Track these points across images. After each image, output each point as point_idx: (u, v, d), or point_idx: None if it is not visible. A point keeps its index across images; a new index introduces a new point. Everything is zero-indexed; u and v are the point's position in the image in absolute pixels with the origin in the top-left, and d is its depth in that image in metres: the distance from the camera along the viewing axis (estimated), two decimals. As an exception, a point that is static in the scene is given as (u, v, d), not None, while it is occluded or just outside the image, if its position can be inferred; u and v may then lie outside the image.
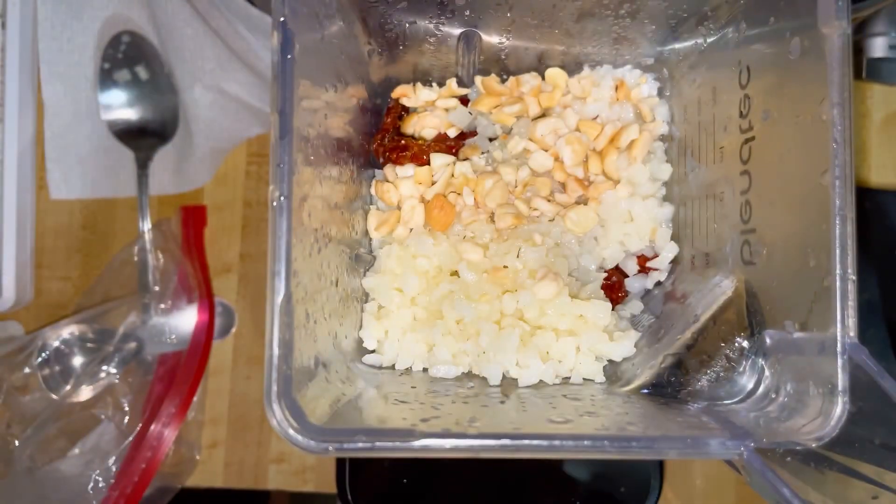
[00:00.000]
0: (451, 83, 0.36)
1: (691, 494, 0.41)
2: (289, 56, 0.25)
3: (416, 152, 0.35)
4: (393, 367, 0.33)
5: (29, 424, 0.39)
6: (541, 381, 0.32)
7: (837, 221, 0.23)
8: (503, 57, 0.35)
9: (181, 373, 0.39)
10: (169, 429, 0.38)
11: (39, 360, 0.40)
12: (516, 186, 0.34)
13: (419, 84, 0.37)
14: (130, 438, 0.38)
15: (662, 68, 0.36)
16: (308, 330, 0.26)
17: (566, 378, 0.32)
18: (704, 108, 0.32)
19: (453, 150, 0.36)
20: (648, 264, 0.35)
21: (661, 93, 0.36)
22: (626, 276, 0.35)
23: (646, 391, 0.30)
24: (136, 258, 0.41)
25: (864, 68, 0.39)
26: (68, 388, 0.40)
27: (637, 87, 0.35)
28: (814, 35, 0.24)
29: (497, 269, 0.32)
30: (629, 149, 0.34)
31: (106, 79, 0.42)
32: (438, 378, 0.32)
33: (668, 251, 0.35)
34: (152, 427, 0.37)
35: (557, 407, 0.28)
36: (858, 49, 0.39)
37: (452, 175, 0.35)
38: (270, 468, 0.42)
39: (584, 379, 0.32)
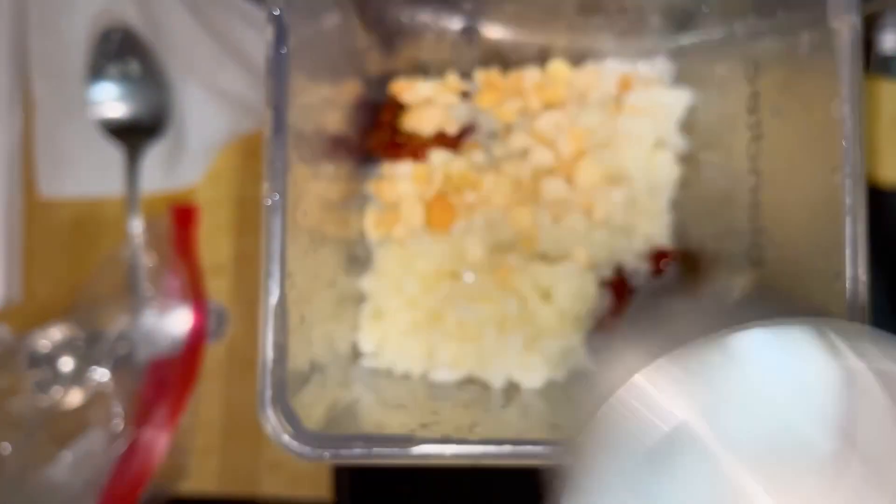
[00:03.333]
0: (451, 78, 0.36)
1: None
2: (283, 50, 0.24)
3: (415, 149, 0.35)
4: (391, 370, 0.33)
5: (18, 430, 0.38)
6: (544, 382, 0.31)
7: (848, 221, 0.23)
8: (504, 51, 0.35)
9: (174, 377, 0.38)
10: (162, 434, 0.37)
11: (28, 363, 0.39)
12: (521, 179, 0.34)
13: (418, 79, 0.36)
14: (123, 444, 0.37)
15: (667, 63, 0.35)
16: (303, 332, 0.26)
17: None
18: (712, 104, 0.32)
19: (453, 146, 0.35)
20: (653, 264, 0.34)
21: (667, 88, 0.35)
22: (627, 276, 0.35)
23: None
24: (126, 258, 0.41)
25: (875, 64, 0.38)
26: (58, 392, 0.39)
27: (642, 82, 0.35)
28: (823, 30, 0.24)
29: (502, 265, 0.32)
30: (634, 145, 0.34)
31: (97, 75, 0.41)
32: (438, 382, 0.32)
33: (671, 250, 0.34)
34: (144, 432, 0.37)
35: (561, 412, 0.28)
36: (870, 45, 0.38)
37: (451, 172, 0.34)
38: (265, 474, 0.41)
39: None
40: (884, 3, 0.34)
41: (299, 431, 0.22)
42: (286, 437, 0.22)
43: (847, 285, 0.23)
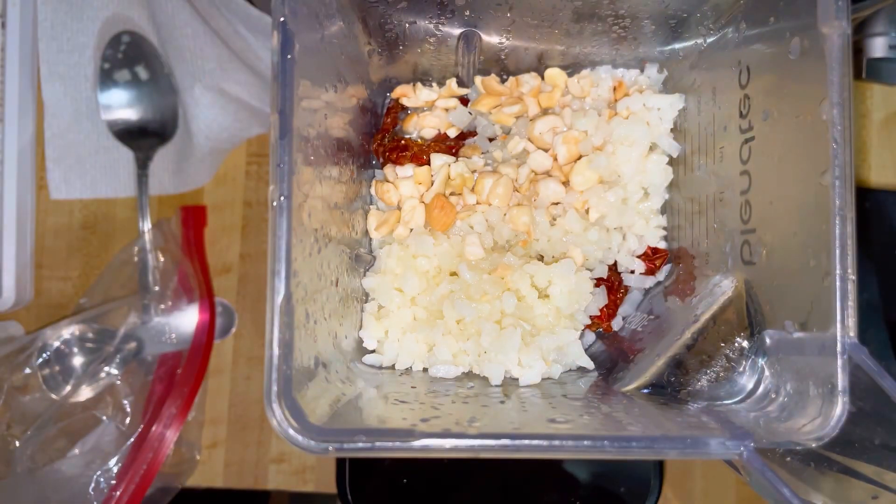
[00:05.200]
0: (451, 83, 0.36)
1: (691, 494, 0.41)
2: (289, 56, 0.25)
3: (416, 152, 0.35)
4: (393, 367, 0.34)
5: (29, 425, 0.39)
6: (542, 378, 0.32)
7: (837, 221, 0.23)
8: (503, 57, 0.35)
9: (182, 373, 0.39)
10: (170, 430, 0.38)
11: (40, 360, 0.40)
12: (519, 183, 0.35)
13: (419, 84, 0.37)
14: (132, 439, 0.38)
15: (662, 68, 0.36)
16: (308, 330, 0.26)
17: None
18: (704, 108, 0.33)
19: (453, 151, 0.36)
20: (647, 264, 0.35)
21: (661, 93, 0.36)
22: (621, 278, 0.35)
23: (646, 391, 0.30)
24: (136, 258, 0.41)
25: (864, 68, 0.39)
26: (69, 388, 0.40)
27: (636, 87, 0.35)
28: (813, 35, 0.24)
29: (500, 264, 0.33)
30: (628, 148, 0.34)
31: (106, 79, 0.42)
32: (438, 378, 0.32)
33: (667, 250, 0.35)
34: (153, 428, 0.38)
35: (557, 407, 0.28)
36: (858, 49, 0.39)
37: (449, 176, 0.35)
38: (270, 468, 0.42)
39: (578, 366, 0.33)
40: (873, 9, 0.35)
41: (304, 425, 0.23)
42: (292, 431, 0.23)
43: (836, 283, 0.23)
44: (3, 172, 0.41)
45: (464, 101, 0.37)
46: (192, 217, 0.42)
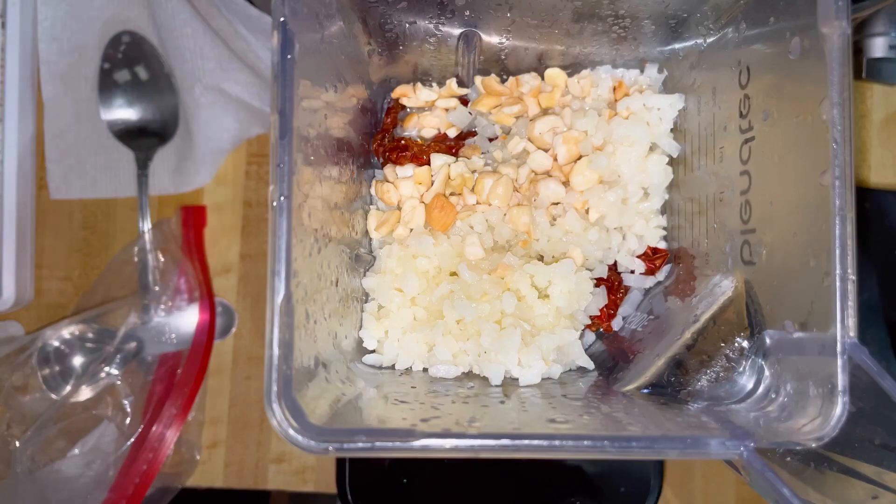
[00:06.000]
0: (451, 83, 0.36)
1: (691, 494, 0.41)
2: (289, 56, 0.25)
3: (416, 152, 0.35)
4: (393, 367, 0.34)
5: (29, 425, 0.39)
6: (542, 378, 0.32)
7: (837, 221, 0.23)
8: (503, 57, 0.35)
9: (182, 373, 0.39)
10: (170, 430, 0.38)
11: (40, 360, 0.40)
12: (519, 183, 0.35)
13: (419, 84, 0.37)
14: (132, 439, 0.38)
15: (662, 68, 0.36)
16: (308, 330, 0.26)
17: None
18: (704, 108, 0.33)
19: (453, 151, 0.36)
20: (647, 264, 0.35)
21: (661, 93, 0.36)
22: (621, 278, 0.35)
23: (646, 391, 0.30)
24: (136, 258, 0.41)
25: (864, 68, 0.39)
26: (69, 388, 0.40)
27: (636, 87, 0.35)
28: (814, 35, 0.24)
29: (500, 264, 0.33)
30: (628, 149, 0.34)
31: (106, 79, 0.42)
32: (438, 378, 0.32)
33: (667, 250, 0.35)
34: (154, 428, 0.38)
35: (557, 407, 0.28)
36: (858, 49, 0.39)
37: (450, 176, 0.35)
38: (270, 468, 0.42)
39: (578, 366, 0.33)
40: (873, 9, 0.35)
41: (304, 425, 0.23)
42: (291, 431, 0.23)
43: (836, 283, 0.23)
44: (3, 172, 0.41)
45: (464, 101, 0.37)
46: (192, 217, 0.42)
